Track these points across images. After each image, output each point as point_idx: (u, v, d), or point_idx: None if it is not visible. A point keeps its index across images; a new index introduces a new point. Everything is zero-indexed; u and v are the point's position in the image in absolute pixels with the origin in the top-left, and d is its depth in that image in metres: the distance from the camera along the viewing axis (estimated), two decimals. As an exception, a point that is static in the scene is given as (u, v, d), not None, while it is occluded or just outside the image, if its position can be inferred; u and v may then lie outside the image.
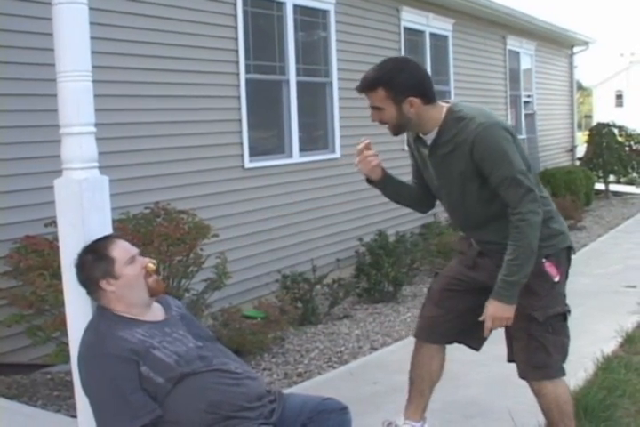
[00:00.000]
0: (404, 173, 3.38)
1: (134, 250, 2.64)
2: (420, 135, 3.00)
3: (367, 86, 2.85)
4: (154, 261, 2.67)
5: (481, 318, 2.93)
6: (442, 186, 3.02)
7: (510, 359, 3.11)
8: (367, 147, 3.02)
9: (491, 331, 2.99)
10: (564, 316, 2.97)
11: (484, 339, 3.18)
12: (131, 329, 2.49)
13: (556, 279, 2.93)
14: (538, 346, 2.93)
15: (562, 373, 3.00)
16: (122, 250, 2.59)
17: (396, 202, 3.29)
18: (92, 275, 2.55)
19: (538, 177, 2.98)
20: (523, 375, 3.04)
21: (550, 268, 2.91)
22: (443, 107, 2.92)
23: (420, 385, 3.28)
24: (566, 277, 3.00)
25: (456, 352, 3.33)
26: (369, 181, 3.14)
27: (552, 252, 2.93)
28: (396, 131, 2.96)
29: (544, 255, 2.88)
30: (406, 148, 3.23)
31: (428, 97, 2.87)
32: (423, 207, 3.32)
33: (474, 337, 3.20)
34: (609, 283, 6.93)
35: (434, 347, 3.22)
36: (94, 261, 2.55)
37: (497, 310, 2.85)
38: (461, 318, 3.14)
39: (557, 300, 2.96)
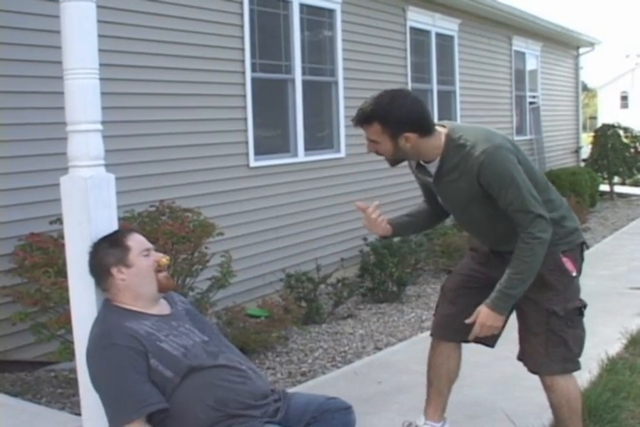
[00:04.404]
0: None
1: (150, 244, 2.68)
2: (422, 163, 3.00)
3: (363, 120, 2.83)
4: (167, 257, 2.69)
5: (468, 321, 2.94)
6: (451, 209, 3.09)
7: (520, 357, 3.08)
8: (364, 209, 3.11)
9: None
10: (580, 310, 3.00)
11: (498, 336, 3.17)
12: (138, 321, 2.50)
13: (574, 274, 2.98)
14: (558, 340, 2.95)
15: (579, 366, 3.02)
16: (138, 242, 2.63)
17: (418, 233, 3.39)
18: (105, 260, 2.56)
19: (546, 179, 3.00)
20: (535, 370, 3.03)
21: (568, 263, 2.96)
22: (441, 134, 2.89)
23: (439, 385, 3.29)
24: (580, 271, 3.03)
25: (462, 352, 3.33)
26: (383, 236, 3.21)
27: (569, 248, 2.98)
28: (393, 163, 2.98)
29: (561, 251, 2.93)
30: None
31: (426, 131, 2.83)
32: (439, 222, 3.47)
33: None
34: (614, 284, 6.91)
35: (450, 345, 3.21)
36: (109, 247, 2.58)
37: (489, 318, 2.89)
38: None
39: (575, 294, 3.00)
